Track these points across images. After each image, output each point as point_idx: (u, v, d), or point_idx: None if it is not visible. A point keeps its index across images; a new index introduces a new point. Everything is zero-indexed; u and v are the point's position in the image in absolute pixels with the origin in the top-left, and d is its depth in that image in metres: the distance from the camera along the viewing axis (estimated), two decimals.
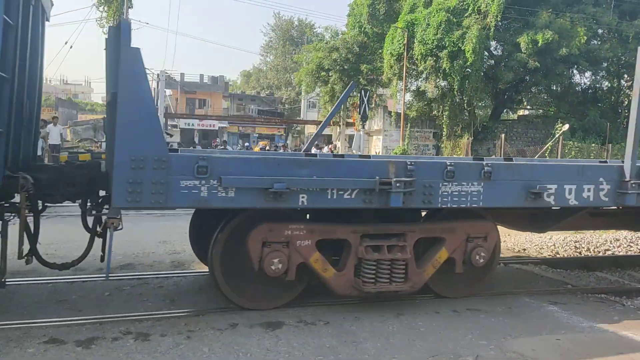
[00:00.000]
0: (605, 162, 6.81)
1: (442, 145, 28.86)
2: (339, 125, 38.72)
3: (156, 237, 8.00)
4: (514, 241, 9.41)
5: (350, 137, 37.67)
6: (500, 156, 22.15)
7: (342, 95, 6.79)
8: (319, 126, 6.88)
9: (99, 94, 78.05)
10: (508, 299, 5.87)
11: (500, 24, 25.65)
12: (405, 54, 27.00)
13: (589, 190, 5.46)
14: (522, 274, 7.25)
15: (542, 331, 4.93)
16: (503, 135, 25.52)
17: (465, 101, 26.94)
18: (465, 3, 25.45)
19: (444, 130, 28.04)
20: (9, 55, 4.46)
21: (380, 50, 30.96)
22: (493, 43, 27.21)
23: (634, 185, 5.50)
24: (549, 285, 6.67)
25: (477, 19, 24.74)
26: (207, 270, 6.56)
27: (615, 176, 5.57)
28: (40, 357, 3.97)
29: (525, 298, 5.97)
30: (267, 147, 32.70)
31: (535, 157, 19.32)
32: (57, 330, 4.43)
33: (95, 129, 39.37)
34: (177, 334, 4.48)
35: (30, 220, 4.96)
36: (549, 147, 23.39)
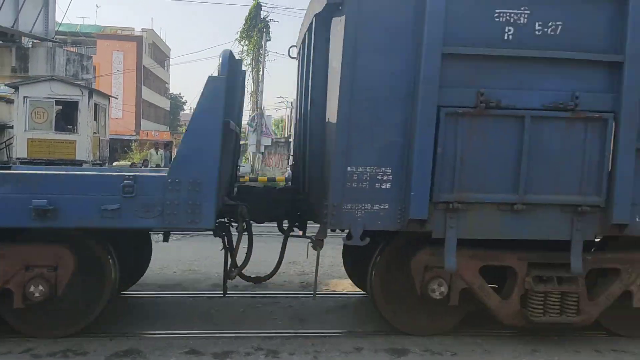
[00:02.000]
0: None
1: None
2: None
3: (287, 258, 8.26)
4: None
5: None
6: None
7: None
8: None
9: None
10: None
11: None
12: None
13: None
14: None
15: None
16: None
17: None
18: None
19: None
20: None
21: None
22: None
23: None
24: None
25: None
26: (334, 292, 6.69)
27: None
28: None
29: None
30: None
31: None
32: (196, 342, 4.75)
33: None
34: (305, 353, 4.60)
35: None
36: None
